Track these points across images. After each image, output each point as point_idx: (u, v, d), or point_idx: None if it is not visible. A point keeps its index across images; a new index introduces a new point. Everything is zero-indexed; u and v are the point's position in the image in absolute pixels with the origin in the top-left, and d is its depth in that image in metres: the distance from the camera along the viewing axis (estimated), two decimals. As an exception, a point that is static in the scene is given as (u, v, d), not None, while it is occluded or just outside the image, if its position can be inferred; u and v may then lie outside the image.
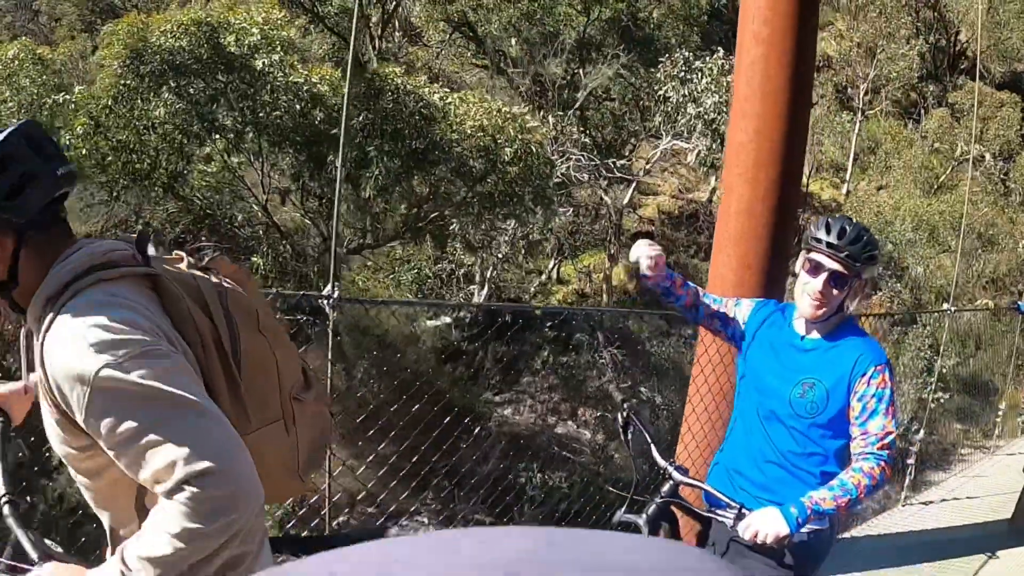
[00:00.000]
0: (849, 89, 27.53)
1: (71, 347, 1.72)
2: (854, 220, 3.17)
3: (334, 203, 12.24)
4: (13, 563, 2.17)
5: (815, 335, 3.17)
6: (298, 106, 10.68)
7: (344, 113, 3.72)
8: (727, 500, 3.07)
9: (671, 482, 3.39)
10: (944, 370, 9.94)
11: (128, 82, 10.93)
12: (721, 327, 3.53)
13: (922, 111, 28.79)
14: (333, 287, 3.61)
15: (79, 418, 1.73)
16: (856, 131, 26.61)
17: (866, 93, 26.97)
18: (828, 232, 3.03)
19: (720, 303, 3.53)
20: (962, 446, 11.76)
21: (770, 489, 3.15)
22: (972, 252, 21.43)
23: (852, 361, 3.03)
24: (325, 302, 3.66)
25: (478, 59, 21.72)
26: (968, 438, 12.47)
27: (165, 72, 10.56)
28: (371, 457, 8.67)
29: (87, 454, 1.86)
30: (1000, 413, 10.79)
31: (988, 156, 24.38)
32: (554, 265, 18.84)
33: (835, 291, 3.03)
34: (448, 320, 12.64)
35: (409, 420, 7.46)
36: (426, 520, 9.04)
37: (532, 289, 17.39)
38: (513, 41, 19.71)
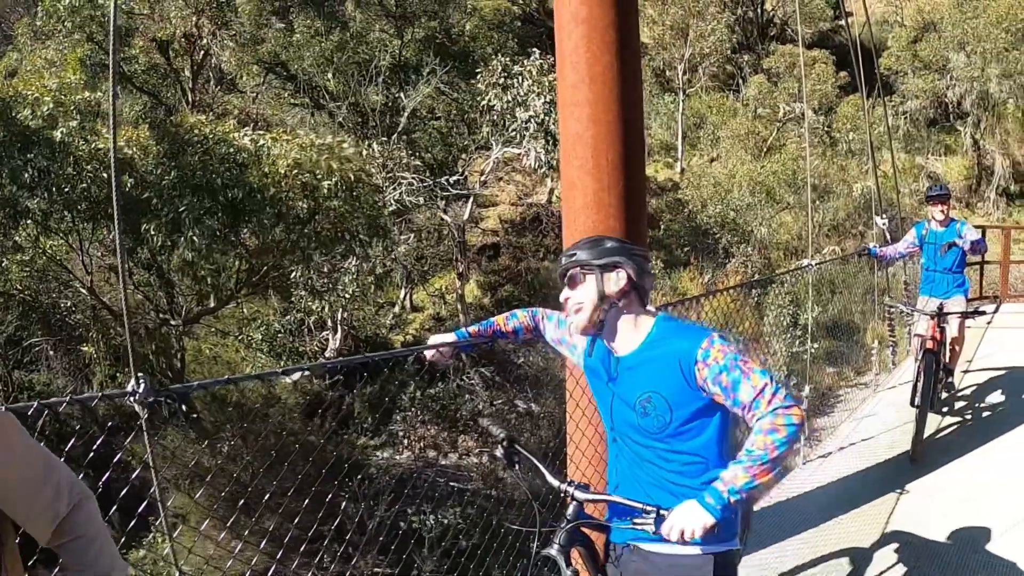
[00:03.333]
0: (667, 71, 28.33)
1: None
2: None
3: (163, 273, 11.66)
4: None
5: (624, 349, 2.97)
6: (104, 174, 9.93)
7: (113, 170, 3.20)
8: (641, 506, 2.80)
9: (574, 503, 3.14)
10: (808, 321, 10.06)
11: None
12: (567, 352, 3.38)
13: (740, 81, 29.96)
14: (138, 381, 3.05)
15: None
16: (680, 110, 27.34)
17: (684, 72, 27.81)
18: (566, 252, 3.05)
19: (564, 327, 3.31)
20: (838, 387, 11.99)
21: (669, 505, 2.87)
22: (811, 204, 22.14)
23: (676, 359, 2.81)
24: (131, 399, 3.09)
25: (296, 98, 21.22)
26: (843, 378, 12.74)
27: (-46, 161, 9.69)
28: (248, 532, 8.15)
29: None
30: (874, 349, 11.02)
31: (810, 112, 25.39)
32: (406, 294, 18.55)
33: (573, 292, 2.95)
34: (306, 372, 12.07)
35: (287, 485, 6.98)
36: (327, 588, 8.51)
37: (388, 322, 17.06)
38: (329, 75, 19.36)
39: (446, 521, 8.74)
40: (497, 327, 3.53)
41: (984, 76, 25.92)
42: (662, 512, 2.78)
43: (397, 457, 10.46)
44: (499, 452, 3.33)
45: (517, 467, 3.30)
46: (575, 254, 2.96)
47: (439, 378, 11.79)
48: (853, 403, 9.93)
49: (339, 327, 14.28)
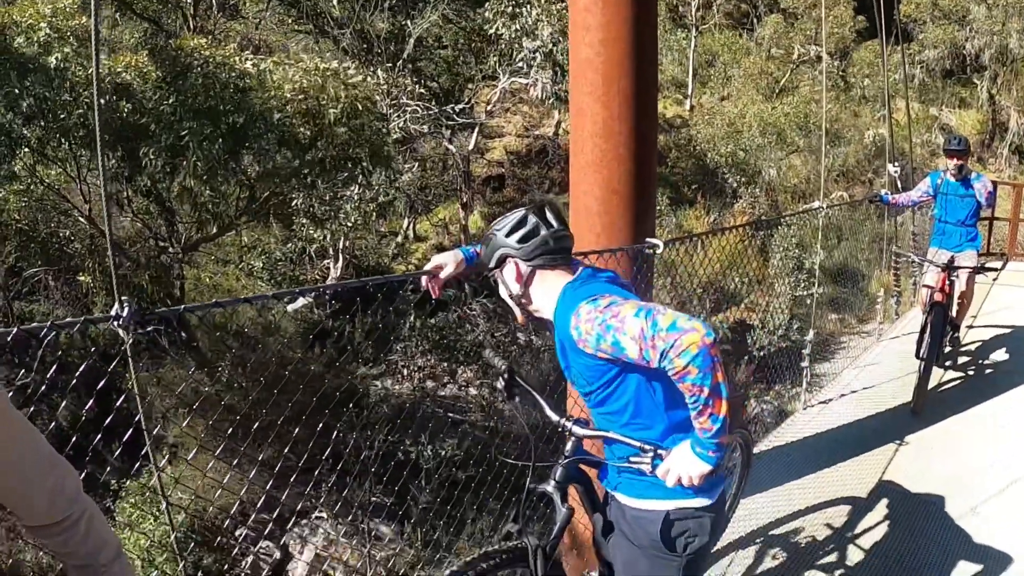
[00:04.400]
0: (680, 7, 27.87)
1: None
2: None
3: (163, 200, 11.53)
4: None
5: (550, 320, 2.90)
6: (103, 100, 9.75)
7: (96, 89, 3.07)
8: (639, 444, 2.73)
9: (573, 439, 3.08)
10: (814, 265, 9.99)
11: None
12: None
13: (755, 20, 29.48)
14: (121, 305, 2.95)
15: None
16: (692, 47, 26.93)
17: (698, 9, 27.30)
18: None
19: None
20: (841, 334, 11.95)
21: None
22: (821, 149, 21.91)
23: (565, 329, 2.70)
24: (115, 324, 3.00)
25: (300, 24, 20.89)
26: (846, 325, 12.70)
27: (-49, 89, 9.50)
28: (247, 462, 8.16)
29: None
30: (879, 298, 10.96)
31: (825, 55, 25.05)
32: (409, 224, 18.45)
33: (503, 297, 2.98)
34: (307, 300, 12.00)
35: (287, 415, 6.96)
36: (325, 516, 8.56)
37: (391, 252, 17.00)
38: (334, 2, 19.02)
39: (443, 452, 8.75)
40: None
41: (1004, 30, 25.52)
42: (660, 452, 2.71)
43: (396, 388, 10.44)
44: (499, 384, 3.25)
45: (517, 399, 3.23)
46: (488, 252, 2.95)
47: (439, 307, 11.72)
48: (856, 351, 9.91)
49: (341, 256, 14.20)
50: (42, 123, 9.92)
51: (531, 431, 3.21)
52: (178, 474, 6.77)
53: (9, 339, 2.74)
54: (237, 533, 8.98)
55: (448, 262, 3.25)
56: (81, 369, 3.55)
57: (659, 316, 2.46)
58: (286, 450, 5.41)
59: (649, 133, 4.76)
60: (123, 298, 2.97)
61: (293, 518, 8.68)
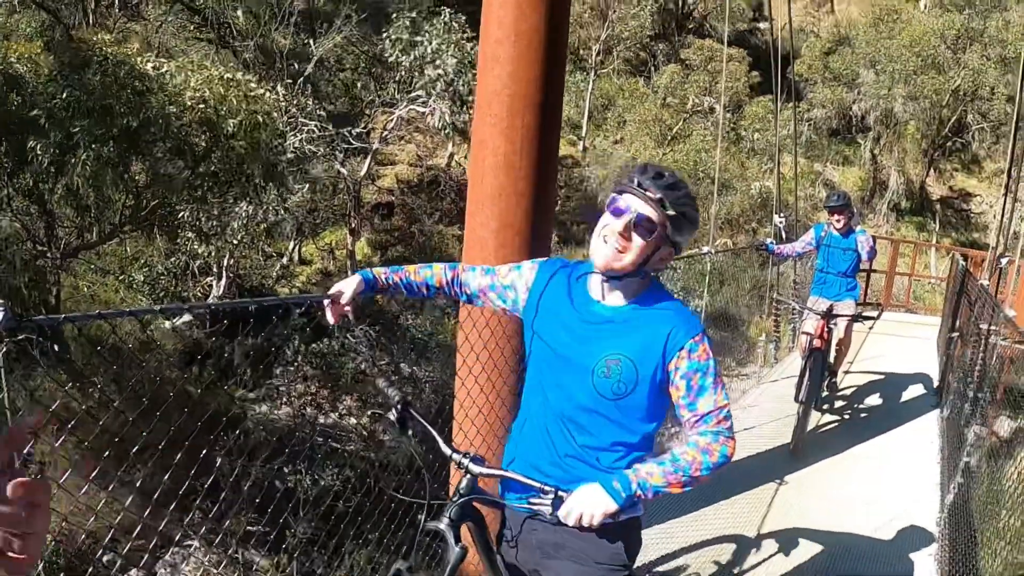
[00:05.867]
0: (582, 50, 28.40)
1: None
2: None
3: (41, 199, 11.00)
4: None
5: (616, 300, 2.71)
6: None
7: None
8: (539, 485, 2.62)
9: (468, 476, 2.96)
10: (698, 309, 10.21)
11: None
12: (501, 302, 3.02)
13: (652, 68, 30.24)
14: None
15: None
16: (590, 90, 27.41)
17: (598, 53, 27.84)
18: (643, 173, 2.62)
19: (492, 273, 3.05)
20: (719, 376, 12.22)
21: (575, 485, 2.72)
22: (709, 196, 22.52)
23: (665, 334, 2.58)
24: None
25: (201, 32, 20.43)
26: (724, 368, 13.00)
27: None
28: (118, 484, 7.79)
29: None
30: (760, 342, 11.26)
31: (718, 107, 25.79)
32: (295, 246, 18.14)
33: (638, 239, 2.56)
34: (188, 318, 11.60)
35: (160, 435, 6.65)
36: (197, 544, 8.22)
37: (275, 274, 16.64)
38: (239, 13, 18.67)
39: (323, 483, 8.53)
40: (407, 275, 3.09)
41: (890, 95, 26.86)
42: (560, 494, 2.64)
43: (275, 413, 10.16)
44: (392, 415, 3.12)
45: (410, 432, 3.13)
46: (665, 195, 2.58)
47: (320, 333, 11.47)
48: (735, 393, 10.13)
49: (224, 274, 13.80)
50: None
51: (422, 467, 3.12)
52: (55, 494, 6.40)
53: None
54: (105, 559, 8.56)
55: (347, 287, 3.10)
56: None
57: (731, 415, 2.68)
58: (160, 474, 5.16)
59: (550, 170, 4.75)
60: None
61: (165, 545, 8.32)
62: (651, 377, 2.61)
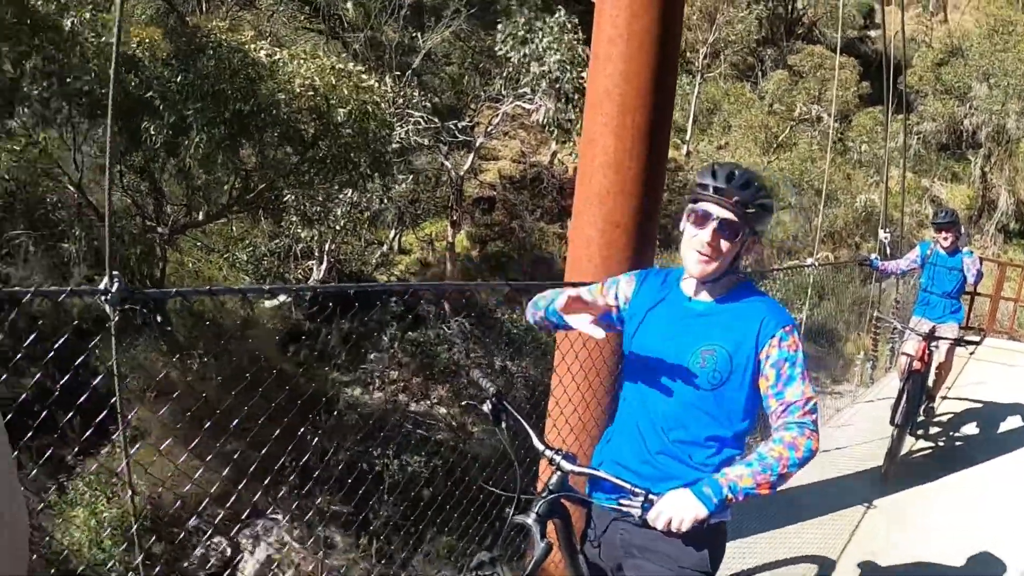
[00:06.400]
0: (688, 53, 28.09)
1: None
2: (743, 167, 2.77)
3: (153, 177, 11.41)
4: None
5: (708, 297, 2.78)
6: (111, 71, 9.64)
7: (114, 61, 3.00)
8: (630, 487, 2.63)
9: (559, 473, 2.98)
10: (798, 322, 10.03)
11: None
12: (605, 320, 3.03)
13: (759, 74, 29.73)
14: (111, 279, 2.83)
15: None
16: (696, 93, 27.11)
17: (705, 57, 27.50)
18: (715, 177, 2.68)
19: (593, 294, 3.09)
20: (817, 407, 11.97)
21: (662, 485, 2.69)
22: (812, 207, 22.10)
23: (757, 324, 2.66)
24: (102, 299, 2.85)
25: (311, 23, 20.84)
26: (819, 385, 12.74)
27: (-40, 38, 9.40)
28: (211, 456, 8.03)
29: None
30: (857, 360, 11.01)
31: (826, 116, 25.21)
32: (395, 235, 18.36)
33: (725, 243, 2.65)
34: (287, 299, 11.88)
35: (255, 410, 6.84)
36: (280, 518, 8.44)
37: (374, 261, 16.89)
38: (349, 5, 19.00)
39: (410, 468, 8.66)
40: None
41: (1004, 110, 25.86)
42: (651, 497, 2.64)
43: (367, 398, 10.34)
44: (486, 407, 3.16)
45: (503, 425, 3.15)
46: (742, 196, 2.65)
47: (416, 323, 11.62)
48: (827, 411, 9.93)
49: (326, 258, 14.09)
50: (46, 84, 9.80)
51: (510, 461, 3.14)
52: (138, 458, 6.65)
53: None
54: (190, 524, 8.84)
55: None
56: (61, 340, 3.45)
57: (817, 403, 2.69)
58: (253, 448, 5.32)
59: (658, 170, 4.75)
60: (114, 273, 2.87)
61: (247, 515, 8.54)
62: (744, 366, 2.67)
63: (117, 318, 2.91)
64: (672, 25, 4.64)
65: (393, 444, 8.91)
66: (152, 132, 9.79)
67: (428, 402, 10.53)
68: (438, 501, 5.30)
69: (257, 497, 7.79)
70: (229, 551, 9.03)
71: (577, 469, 2.91)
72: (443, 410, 10.42)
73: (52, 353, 3.37)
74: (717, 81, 28.80)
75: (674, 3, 4.62)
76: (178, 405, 7.90)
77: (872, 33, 32.15)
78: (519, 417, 3.09)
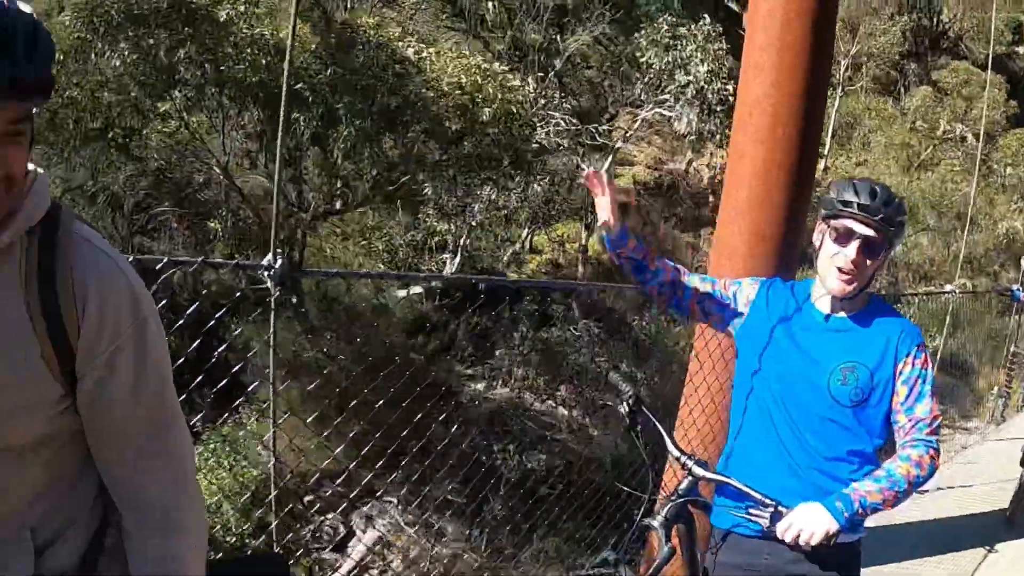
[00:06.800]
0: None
1: (124, 276, 1.62)
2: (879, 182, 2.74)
3: (298, 165, 11.82)
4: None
5: (842, 314, 2.77)
6: (263, 61, 10.05)
7: (288, 53, 3.15)
8: (760, 497, 2.65)
9: (689, 478, 2.99)
10: (933, 350, 9.68)
11: (82, 35, 10.26)
12: (718, 312, 3.02)
13: (902, 88, 28.68)
14: (275, 256, 2.99)
15: (98, 356, 1.56)
16: (835, 107, 26.36)
17: (846, 69, 26.71)
18: (857, 194, 2.63)
19: (713, 284, 3.06)
20: (941, 426, 11.53)
21: (806, 499, 2.70)
22: (951, 232, 21.28)
23: (894, 341, 2.66)
24: (265, 274, 3.03)
25: (454, 23, 21.15)
26: (947, 418, 12.27)
27: (122, 24, 9.94)
28: (335, 433, 8.25)
29: (44, 417, 1.58)
30: (991, 396, 10.60)
31: (970, 136, 24.19)
32: (528, 234, 18.48)
33: (868, 260, 2.63)
34: (419, 290, 12.14)
35: (379, 395, 7.01)
36: (394, 501, 8.63)
37: (505, 259, 17.05)
38: (491, 5, 19.23)
39: (528, 465, 8.74)
40: (647, 255, 3.02)
41: None
42: (780, 509, 2.63)
43: (490, 393, 10.47)
44: (622, 409, 3.19)
45: (638, 428, 3.16)
46: (886, 214, 2.63)
47: (544, 322, 11.71)
48: (954, 446, 9.58)
49: (459, 252, 14.32)
50: (199, 72, 10.26)
51: (651, 465, 3.17)
52: (262, 430, 6.89)
53: (158, 267, 2.79)
54: (306, 499, 9.13)
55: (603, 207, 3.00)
56: (223, 311, 3.64)
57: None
58: (374, 430, 5.45)
59: (806, 183, 4.71)
60: (278, 250, 3.02)
61: (364, 497, 8.75)
62: (884, 383, 2.68)
63: (277, 293, 3.06)
64: (825, 35, 4.61)
65: (513, 440, 9.01)
66: (301, 123, 10.16)
67: (552, 402, 10.60)
68: (553, 501, 5.34)
69: (373, 479, 7.98)
70: (342, 529, 9.29)
71: (709, 475, 2.92)
72: (564, 411, 10.47)
73: (211, 322, 3.57)
74: (858, 95, 27.90)
75: (827, 12, 4.59)
76: (307, 383, 8.16)
77: (1020, 50, 30.64)
78: (655, 421, 3.11)
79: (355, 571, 8.92)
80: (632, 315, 12.66)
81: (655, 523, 2.96)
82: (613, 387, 10.56)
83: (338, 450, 4.78)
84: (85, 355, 1.56)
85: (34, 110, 1.51)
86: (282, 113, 3.36)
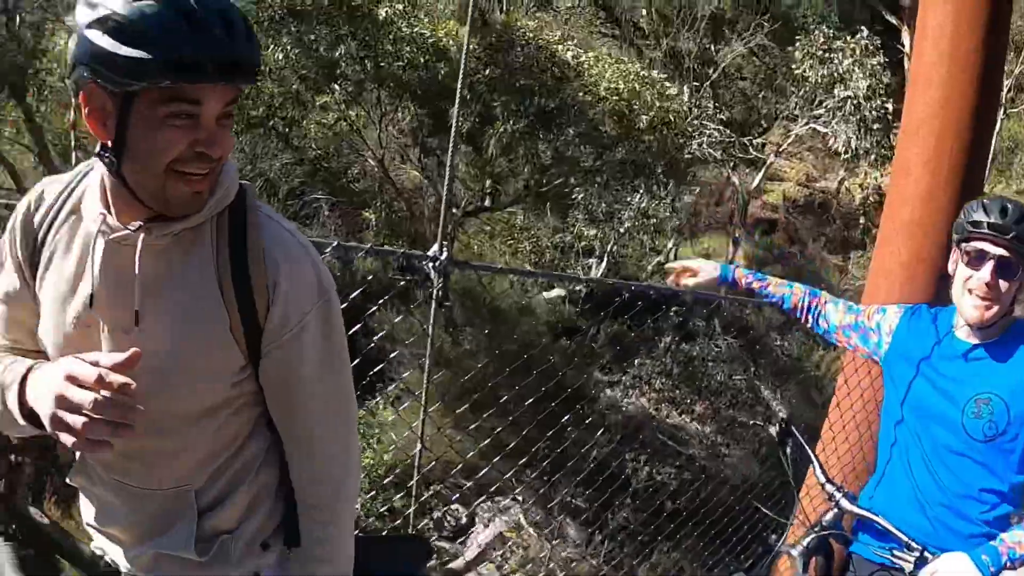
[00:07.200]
0: (992, 85, 25.92)
1: (310, 256, 1.69)
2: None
3: (453, 160, 12.02)
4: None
5: (981, 339, 2.61)
6: (421, 59, 10.31)
7: (465, 53, 3.24)
8: (907, 539, 2.56)
9: (835, 510, 2.93)
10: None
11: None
12: (861, 342, 2.95)
13: (1073, 111, 27.04)
14: (441, 248, 3.10)
15: (286, 332, 1.64)
16: (996, 130, 25.04)
17: (1009, 90, 25.34)
18: (987, 213, 2.48)
19: (855, 311, 2.97)
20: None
21: (937, 537, 2.60)
22: None
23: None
24: (429, 264, 3.15)
25: (607, 28, 21.14)
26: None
27: (285, 18, 10.35)
28: (472, 427, 8.40)
29: (225, 385, 1.67)
30: None
31: None
32: (673, 245, 18.33)
33: (1003, 282, 2.47)
34: (562, 293, 12.20)
35: (515, 394, 7.10)
36: (521, 499, 8.71)
37: (649, 268, 16.94)
38: (644, 12, 19.12)
39: (659, 477, 8.69)
40: (767, 286, 3.09)
41: None
42: (927, 554, 2.55)
43: (625, 402, 10.45)
44: (773, 429, 3.16)
45: (788, 451, 3.12)
46: (1019, 231, 2.47)
47: (687, 337, 11.61)
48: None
49: (605, 258, 14.32)
50: (359, 68, 10.58)
51: (797, 489, 3.13)
52: (409, 419, 7.05)
53: (327, 251, 2.90)
54: (437, 489, 9.30)
55: (704, 272, 3.15)
56: (386, 298, 3.77)
57: None
58: (508, 425, 5.53)
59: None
60: (444, 242, 3.12)
61: (494, 493, 8.86)
62: (1022, 416, 2.51)
63: (440, 283, 3.17)
64: (997, 50, 4.44)
65: (644, 450, 8.97)
66: (460, 120, 10.37)
67: (686, 416, 10.50)
68: (675, 515, 5.30)
69: (498, 474, 8.08)
70: (465, 521, 9.43)
71: (856, 510, 2.85)
72: (697, 426, 10.36)
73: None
74: (1020, 117, 26.43)
75: (1000, 27, 4.41)
76: (448, 377, 8.33)
77: None
78: (805, 446, 3.07)
79: (473, 562, 9.05)
80: (774, 335, 12.40)
81: (795, 552, 2.93)
82: (750, 406, 10.41)
83: (482, 443, 4.87)
84: (272, 331, 1.63)
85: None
86: (455, 113, 3.47)
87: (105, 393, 1.41)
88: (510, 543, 8.96)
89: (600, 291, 11.47)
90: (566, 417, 7.90)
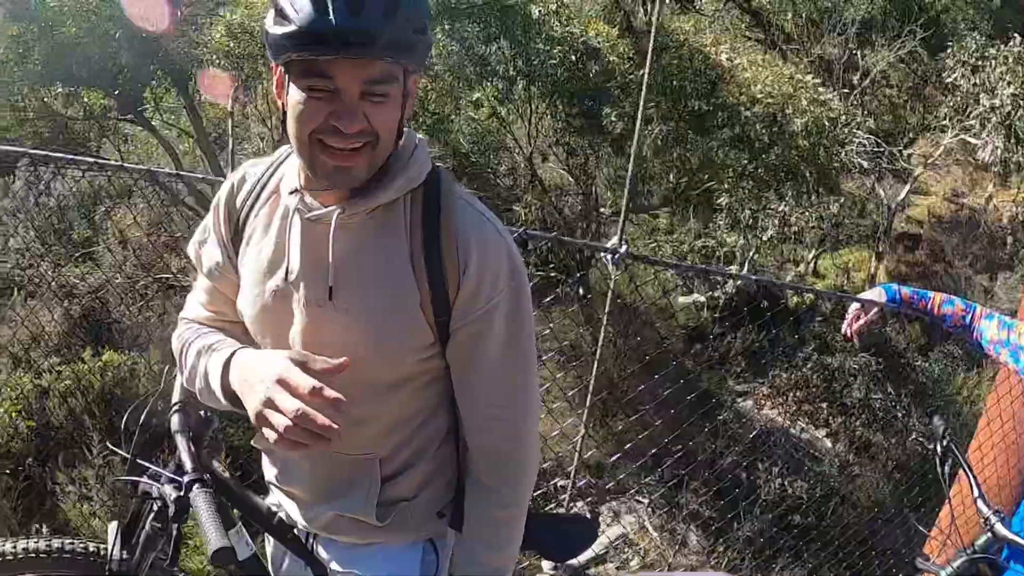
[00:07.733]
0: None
1: (504, 240, 1.76)
2: None
3: (600, 164, 12.10)
4: None
5: None
6: (573, 58, 10.41)
7: (650, 52, 3.35)
8: None
9: (988, 535, 2.90)
10: None
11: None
12: (1008, 357, 2.93)
13: None
14: (621, 240, 3.25)
15: (474, 312, 1.71)
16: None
17: None
18: None
19: (1008, 327, 2.95)
20: None
21: None
22: None
23: None
24: (608, 256, 3.32)
25: (751, 32, 20.83)
26: None
27: (439, 14, 10.60)
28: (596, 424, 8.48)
29: (414, 359, 1.77)
30: None
31: None
32: (814, 257, 17.94)
33: None
34: (701, 299, 12.13)
35: (649, 396, 7.15)
36: (645, 502, 8.73)
37: (788, 279, 16.60)
38: (789, 16, 18.76)
39: (789, 491, 8.59)
40: (931, 304, 3.17)
41: None
42: None
43: (756, 411, 10.34)
44: (937, 447, 3.11)
45: (946, 468, 3.08)
46: None
47: (824, 350, 11.37)
48: None
49: (745, 266, 14.12)
50: (511, 65, 10.75)
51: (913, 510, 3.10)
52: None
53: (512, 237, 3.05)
54: (559, 484, 9.41)
55: (875, 299, 3.18)
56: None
57: None
58: (636, 425, 5.58)
59: None
60: (624, 237, 3.27)
61: (617, 492, 8.91)
62: None
63: (617, 274, 3.34)
64: None
65: (776, 462, 8.88)
66: (613, 119, 10.45)
67: (820, 432, 10.32)
68: (803, 530, 5.25)
69: (628, 475, 8.13)
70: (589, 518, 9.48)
71: (1013, 537, 2.81)
72: (829, 443, 10.16)
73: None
74: None
75: None
76: (581, 372, 8.40)
77: None
78: (965, 466, 3.03)
79: (593, 560, 9.08)
80: (915, 354, 12.01)
81: (944, 573, 2.91)
82: (885, 427, 10.14)
83: (626, 444, 4.94)
84: (462, 310, 1.71)
85: (410, 75, 1.64)
86: (639, 116, 3.60)
87: (316, 403, 1.49)
88: (632, 545, 8.98)
89: (741, 297, 11.36)
90: (698, 423, 7.94)
